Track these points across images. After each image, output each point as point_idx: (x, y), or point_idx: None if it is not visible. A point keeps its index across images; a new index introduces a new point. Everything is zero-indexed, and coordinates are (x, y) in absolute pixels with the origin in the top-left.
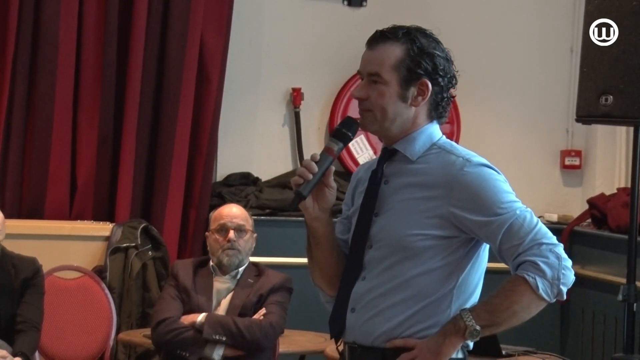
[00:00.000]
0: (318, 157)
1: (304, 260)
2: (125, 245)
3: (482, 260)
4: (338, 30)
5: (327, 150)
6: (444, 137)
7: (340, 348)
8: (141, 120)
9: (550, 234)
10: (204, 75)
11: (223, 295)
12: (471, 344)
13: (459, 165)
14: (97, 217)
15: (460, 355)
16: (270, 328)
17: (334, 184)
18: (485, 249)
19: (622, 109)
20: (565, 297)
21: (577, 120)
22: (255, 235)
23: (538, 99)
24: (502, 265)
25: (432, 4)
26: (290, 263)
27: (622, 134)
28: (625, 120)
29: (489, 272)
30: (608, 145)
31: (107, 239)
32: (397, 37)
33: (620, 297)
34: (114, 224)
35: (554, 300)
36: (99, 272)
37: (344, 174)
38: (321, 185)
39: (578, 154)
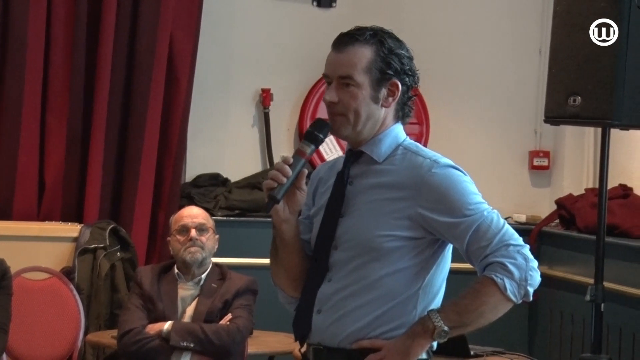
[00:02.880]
0: (291, 160)
1: None
2: (93, 246)
3: (447, 261)
4: (308, 31)
5: (299, 153)
6: (408, 138)
7: (303, 350)
8: (110, 121)
9: (516, 235)
10: (173, 75)
11: (188, 302)
12: (435, 344)
13: (426, 167)
14: (66, 218)
15: (424, 356)
16: (237, 332)
17: (305, 187)
18: (449, 250)
19: (590, 110)
20: (531, 298)
21: (546, 121)
22: (217, 236)
23: (507, 100)
24: (467, 265)
25: (402, 5)
26: (260, 264)
27: (590, 135)
28: (594, 121)
29: (453, 272)
30: (576, 146)
31: (76, 239)
32: (366, 39)
33: (588, 298)
34: (82, 224)
35: (520, 301)
36: (67, 273)
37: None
38: (293, 188)
39: (546, 154)
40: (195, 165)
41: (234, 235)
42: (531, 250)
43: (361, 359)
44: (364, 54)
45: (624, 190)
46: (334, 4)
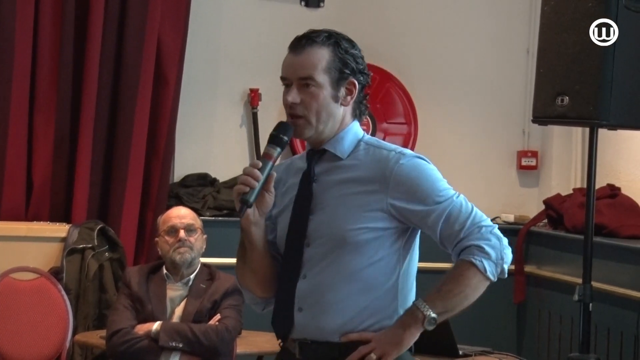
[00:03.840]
0: (260, 164)
1: None
2: (81, 246)
3: (416, 249)
4: (296, 31)
5: (266, 156)
6: (366, 134)
7: (281, 344)
8: (98, 121)
9: (485, 215)
10: (161, 75)
11: (176, 303)
12: None
13: (394, 159)
14: (54, 218)
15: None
16: (226, 332)
17: (273, 189)
18: (418, 238)
19: (578, 110)
20: (506, 274)
21: (534, 121)
22: (205, 236)
23: (494, 100)
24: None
25: (389, 5)
26: None
27: (578, 134)
28: (581, 121)
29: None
30: (564, 146)
31: (64, 240)
32: (322, 41)
33: (576, 297)
34: (70, 225)
35: (497, 278)
36: (55, 273)
37: None
38: (262, 190)
39: (534, 154)
40: (183, 165)
41: (222, 235)
42: (519, 250)
43: (350, 352)
44: (322, 55)
45: (612, 190)
46: (322, 4)
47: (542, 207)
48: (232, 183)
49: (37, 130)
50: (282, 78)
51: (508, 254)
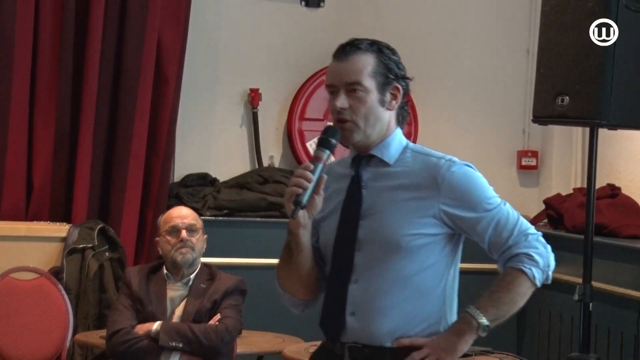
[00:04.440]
0: (311, 167)
1: (262, 260)
2: (82, 246)
3: (460, 254)
4: (296, 31)
5: (316, 159)
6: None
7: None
8: (98, 121)
9: (528, 223)
10: (161, 75)
11: (176, 303)
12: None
13: (445, 167)
14: (54, 218)
15: None
16: (226, 332)
17: (322, 192)
18: (461, 244)
19: (578, 110)
20: (550, 281)
21: (534, 121)
22: (205, 236)
23: (495, 100)
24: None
25: (389, 5)
26: (248, 264)
27: (578, 134)
28: (581, 121)
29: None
30: (564, 146)
31: (64, 239)
32: (366, 47)
33: (576, 297)
34: (70, 224)
35: (541, 285)
36: (56, 273)
37: None
38: (312, 193)
39: (535, 154)
40: (183, 165)
41: (222, 235)
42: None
43: (401, 356)
44: (368, 60)
45: (612, 190)
46: (322, 4)
47: (542, 206)
48: (232, 183)
49: (37, 130)
50: (329, 85)
51: (553, 261)
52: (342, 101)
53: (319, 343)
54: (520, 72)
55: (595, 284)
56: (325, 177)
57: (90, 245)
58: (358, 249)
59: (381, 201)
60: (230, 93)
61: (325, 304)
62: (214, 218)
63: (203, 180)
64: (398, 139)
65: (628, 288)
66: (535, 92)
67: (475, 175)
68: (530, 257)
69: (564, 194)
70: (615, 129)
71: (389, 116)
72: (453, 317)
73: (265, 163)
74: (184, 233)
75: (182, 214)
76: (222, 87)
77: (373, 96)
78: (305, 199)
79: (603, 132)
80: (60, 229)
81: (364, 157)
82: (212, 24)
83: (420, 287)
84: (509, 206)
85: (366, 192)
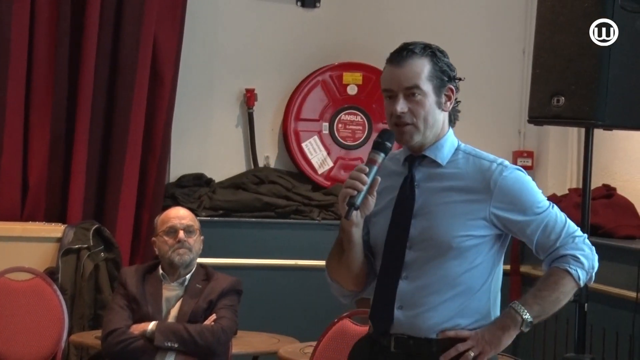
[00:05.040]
0: (366, 169)
1: (258, 261)
2: (77, 246)
3: (504, 253)
4: (292, 31)
5: (371, 162)
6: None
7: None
8: (94, 121)
9: (575, 226)
10: (157, 75)
11: (172, 303)
12: None
13: (497, 171)
14: (49, 218)
15: None
16: (222, 332)
17: (375, 193)
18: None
19: (573, 110)
20: (593, 281)
21: (529, 121)
22: (202, 237)
23: (490, 100)
24: None
25: (384, 5)
26: (243, 264)
27: (573, 135)
28: (577, 121)
29: None
30: (560, 146)
31: (59, 240)
32: (421, 52)
33: (572, 298)
34: (66, 225)
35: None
36: (51, 273)
37: (298, 175)
38: (366, 194)
39: (530, 154)
40: (179, 165)
41: (218, 236)
42: (515, 250)
43: (446, 348)
44: (424, 64)
45: (608, 191)
46: (318, 4)
47: None
48: (227, 183)
49: (33, 130)
50: (386, 90)
51: (597, 263)
52: (401, 105)
53: (314, 343)
54: (516, 72)
55: (590, 284)
56: (379, 179)
57: (85, 245)
58: (409, 247)
59: (433, 202)
60: (226, 93)
61: (375, 298)
62: (209, 218)
63: (198, 180)
64: (451, 140)
65: (623, 288)
66: (531, 92)
67: (526, 179)
68: (576, 258)
69: (559, 194)
70: (611, 130)
71: (443, 117)
72: (497, 312)
73: (261, 163)
74: (181, 234)
75: (179, 215)
76: (218, 88)
77: (431, 99)
78: (359, 200)
79: (598, 133)
80: (56, 230)
81: (417, 157)
82: (208, 24)
83: (467, 285)
84: (557, 209)
85: (418, 191)
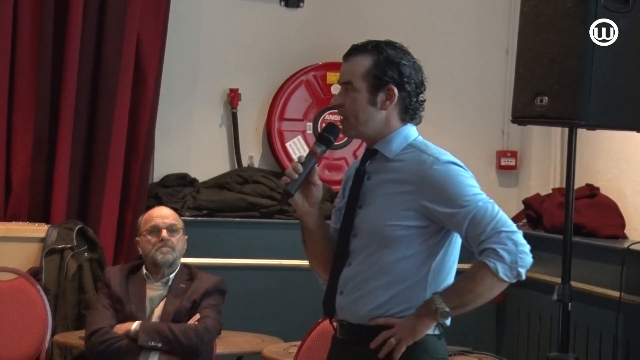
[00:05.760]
0: (303, 159)
1: (242, 261)
2: (61, 246)
3: (455, 247)
4: (275, 31)
5: (311, 153)
6: (420, 137)
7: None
8: (77, 121)
9: (510, 222)
10: (140, 74)
11: (156, 303)
12: (448, 322)
13: (429, 163)
14: (33, 218)
15: (437, 332)
16: (205, 332)
17: (319, 182)
18: (457, 238)
19: (557, 110)
20: (524, 277)
21: (513, 121)
22: (186, 237)
23: (474, 100)
24: None
25: (368, 5)
26: (228, 264)
27: (557, 134)
28: (560, 121)
29: None
30: (543, 146)
31: (43, 240)
32: (367, 50)
33: (555, 297)
34: (49, 225)
35: (515, 280)
36: (35, 273)
37: (282, 175)
38: (308, 183)
39: (514, 154)
40: (163, 165)
41: (202, 236)
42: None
43: (377, 334)
44: (363, 62)
45: (591, 190)
46: (301, 4)
47: (522, 207)
48: (211, 183)
49: (16, 130)
50: (338, 83)
51: (525, 259)
52: (337, 98)
53: (298, 343)
54: (500, 73)
55: (574, 283)
56: (317, 168)
57: (69, 245)
58: (354, 235)
59: (376, 193)
60: (210, 93)
61: (327, 285)
62: (193, 218)
63: (182, 180)
64: (403, 135)
65: (607, 288)
66: (514, 92)
67: (455, 172)
68: (496, 252)
69: (543, 194)
70: (594, 129)
71: (385, 115)
72: None
73: (245, 163)
74: (164, 233)
75: (162, 214)
76: (202, 87)
77: (363, 96)
78: (293, 188)
79: (582, 133)
80: (39, 230)
81: (371, 151)
82: (192, 24)
83: (398, 274)
84: (490, 204)
85: (368, 183)
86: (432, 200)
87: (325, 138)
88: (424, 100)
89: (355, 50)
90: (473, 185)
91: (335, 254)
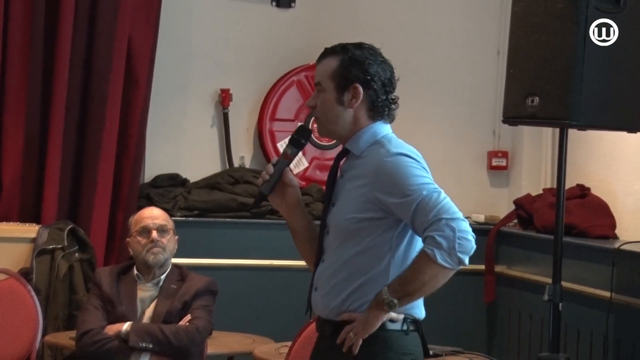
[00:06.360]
0: (274, 161)
1: (233, 261)
2: (51, 247)
3: (418, 240)
4: (267, 31)
5: (283, 155)
6: (390, 134)
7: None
8: (68, 121)
9: (453, 209)
10: (131, 75)
11: (147, 304)
12: (422, 315)
13: (381, 156)
14: (23, 219)
15: (404, 327)
16: (196, 333)
17: (294, 183)
18: None
19: (548, 110)
20: (466, 263)
21: (504, 122)
22: (177, 237)
23: (465, 101)
24: None
25: (360, 5)
26: (219, 264)
27: (548, 135)
28: (551, 121)
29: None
30: (534, 146)
31: (34, 240)
32: (335, 51)
33: (546, 297)
34: (40, 225)
35: (458, 266)
36: (25, 274)
37: None
38: (282, 184)
39: (505, 155)
40: (154, 165)
41: (193, 236)
42: (489, 250)
43: (340, 330)
44: (331, 64)
45: (582, 190)
46: (293, 4)
47: (513, 207)
48: (202, 184)
49: (7, 130)
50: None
51: (465, 245)
52: (310, 100)
53: (289, 344)
54: (491, 73)
55: (564, 284)
56: (289, 170)
57: (60, 246)
58: (327, 232)
59: (344, 189)
60: (201, 93)
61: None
62: (184, 219)
63: (174, 180)
64: (371, 132)
65: (597, 288)
66: (506, 92)
67: (404, 163)
68: (433, 239)
69: (534, 194)
70: (585, 130)
71: (353, 113)
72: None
73: (236, 163)
74: (154, 233)
75: (153, 215)
76: (193, 88)
77: (331, 96)
78: (266, 189)
79: (573, 133)
80: (30, 230)
81: (344, 150)
82: (183, 25)
83: (358, 267)
84: (435, 193)
85: (341, 181)
86: (383, 191)
87: (295, 140)
88: (396, 98)
89: (326, 53)
90: (420, 175)
91: (317, 251)
